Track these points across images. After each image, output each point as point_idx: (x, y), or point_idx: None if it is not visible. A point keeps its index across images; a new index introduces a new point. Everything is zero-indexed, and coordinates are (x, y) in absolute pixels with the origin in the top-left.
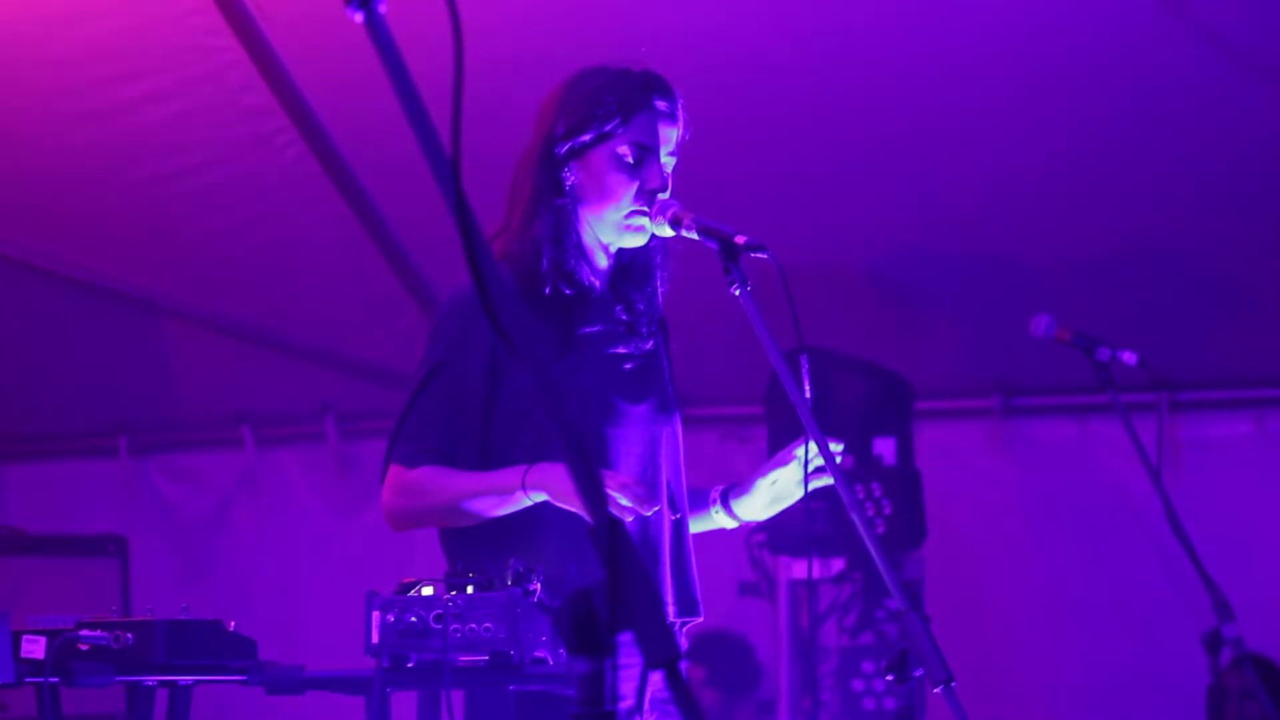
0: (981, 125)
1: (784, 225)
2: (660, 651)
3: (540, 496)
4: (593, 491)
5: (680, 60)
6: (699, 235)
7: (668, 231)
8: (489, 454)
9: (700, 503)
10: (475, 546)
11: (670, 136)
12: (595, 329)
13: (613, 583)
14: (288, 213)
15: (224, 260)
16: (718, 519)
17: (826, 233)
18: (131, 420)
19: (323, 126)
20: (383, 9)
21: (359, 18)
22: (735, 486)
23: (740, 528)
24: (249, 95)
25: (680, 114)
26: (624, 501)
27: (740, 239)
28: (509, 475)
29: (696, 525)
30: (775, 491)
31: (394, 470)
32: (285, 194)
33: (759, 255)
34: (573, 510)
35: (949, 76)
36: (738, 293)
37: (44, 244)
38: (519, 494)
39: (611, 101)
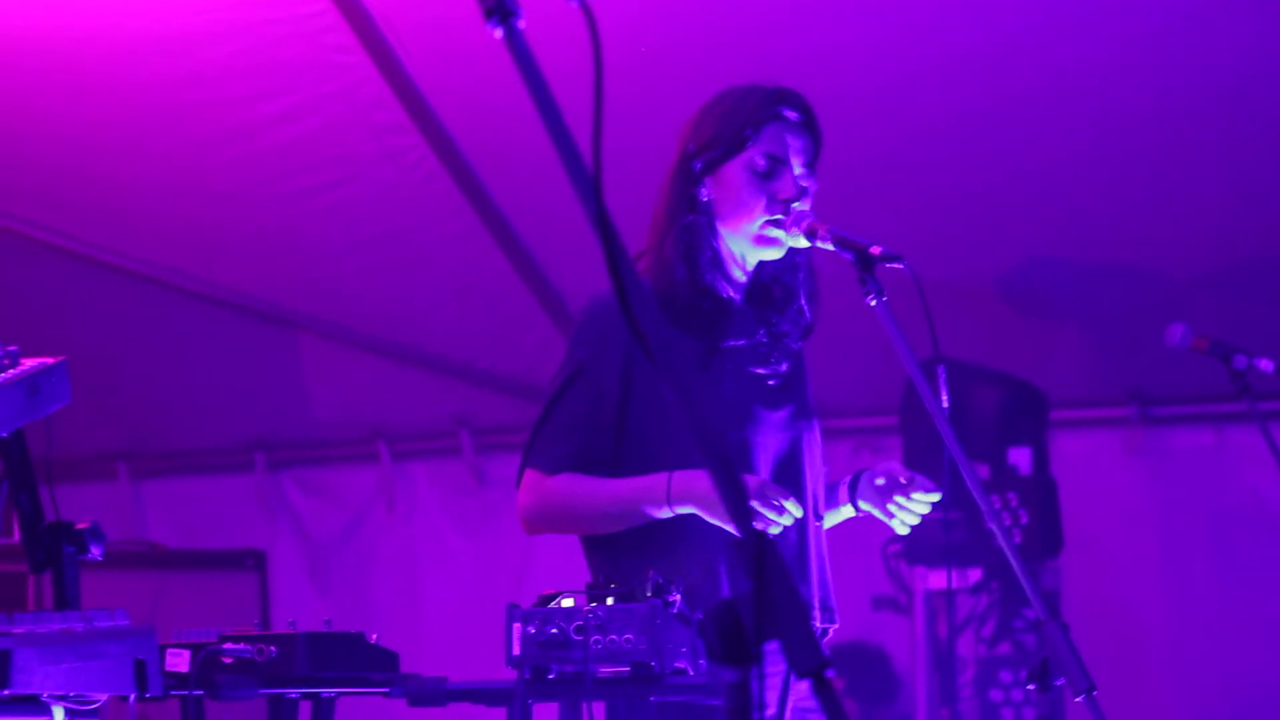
0: (1113, 133)
1: (917, 236)
2: (808, 660)
3: (686, 509)
4: (737, 502)
5: (814, 73)
6: (834, 246)
7: (803, 242)
8: (623, 460)
9: (832, 494)
10: (619, 557)
11: (803, 148)
12: (738, 343)
13: (759, 592)
14: (420, 227)
15: (358, 275)
16: (844, 509)
17: (960, 243)
18: (267, 436)
19: (454, 141)
20: (522, 25)
21: (499, 34)
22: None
23: (875, 539)
24: (381, 111)
25: (813, 125)
26: (769, 515)
27: (876, 250)
28: (653, 487)
29: (829, 518)
30: (890, 491)
31: (531, 475)
32: (418, 209)
33: (894, 266)
34: (719, 524)
35: (1079, 85)
36: (874, 304)
37: (180, 262)
38: (664, 507)
39: (742, 114)
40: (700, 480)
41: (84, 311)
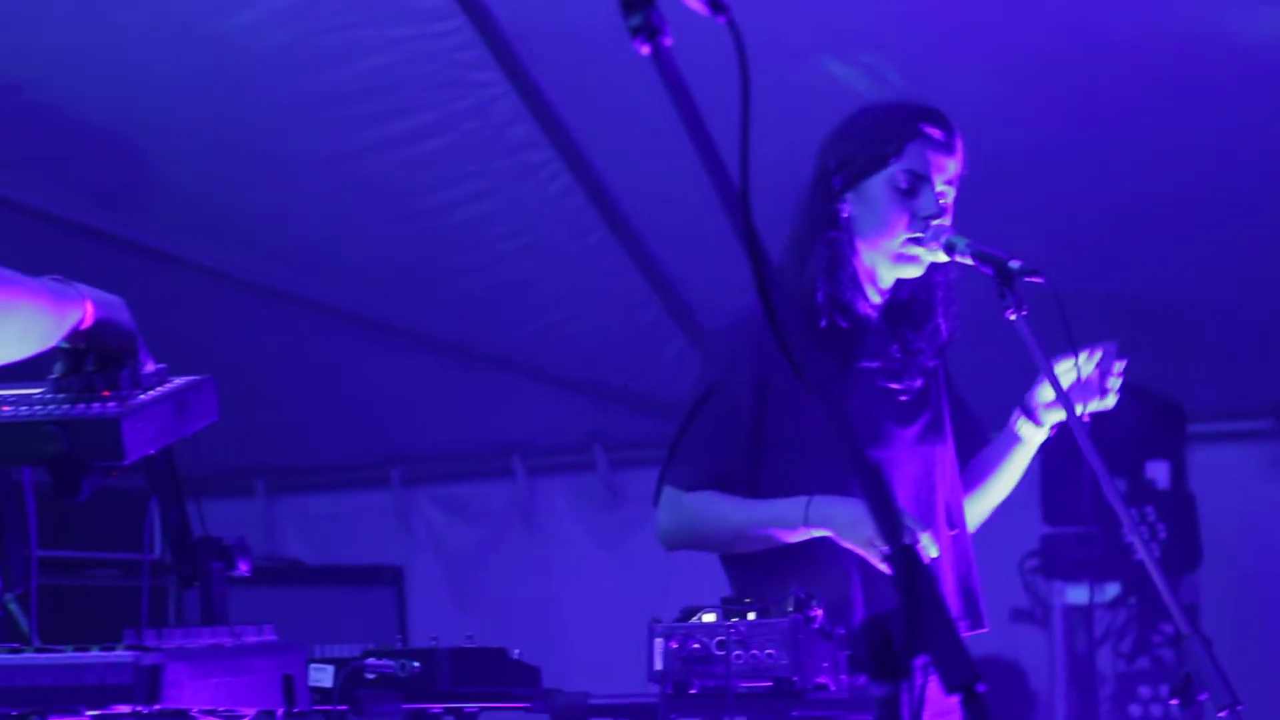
0: (1255, 141)
1: (1055, 248)
2: (958, 674)
3: (822, 531)
4: (887, 514)
5: (950, 84)
6: (973, 260)
7: (942, 257)
8: (762, 477)
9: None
10: (756, 572)
11: (946, 165)
12: (872, 364)
13: (909, 606)
14: (554, 244)
15: (491, 291)
16: (1024, 430)
17: (1098, 254)
18: (403, 452)
19: (588, 158)
20: (668, 41)
21: (646, 50)
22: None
23: (1013, 553)
24: (515, 127)
25: (956, 144)
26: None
27: (1015, 263)
28: (791, 508)
29: (1009, 470)
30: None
31: (669, 492)
32: (552, 225)
33: (1034, 279)
34: (855, 550)
35: (1214, 92)
36: (1014, 317)
37: (314, 280)
38: (801, 529)
39: (884, 131)
40: (839, 505)
41: (222, 328)
